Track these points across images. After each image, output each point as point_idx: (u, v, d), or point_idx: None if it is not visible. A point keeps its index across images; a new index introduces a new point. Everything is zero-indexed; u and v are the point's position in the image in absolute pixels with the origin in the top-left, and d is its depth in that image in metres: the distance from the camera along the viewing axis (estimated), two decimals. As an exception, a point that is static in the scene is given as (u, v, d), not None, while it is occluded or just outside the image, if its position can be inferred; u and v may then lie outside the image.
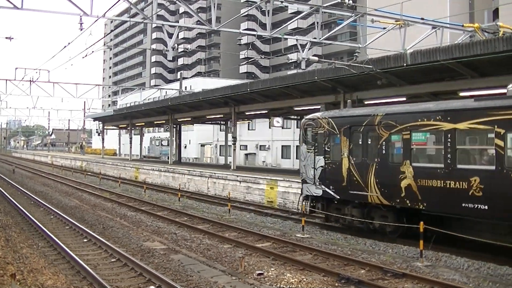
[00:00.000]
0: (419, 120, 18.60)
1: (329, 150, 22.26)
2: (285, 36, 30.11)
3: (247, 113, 48.38)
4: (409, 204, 18.77)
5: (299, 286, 14.12)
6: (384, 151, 19.90)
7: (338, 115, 22.41)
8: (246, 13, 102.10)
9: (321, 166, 22.50)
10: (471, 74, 24.92)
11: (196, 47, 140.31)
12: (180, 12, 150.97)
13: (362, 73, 26.99)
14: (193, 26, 48.56)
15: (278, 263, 16.77)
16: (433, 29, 28.35)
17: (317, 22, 28.27)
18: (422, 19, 28.43)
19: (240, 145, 73.71)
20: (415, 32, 28.08)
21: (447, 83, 26.59)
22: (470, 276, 15.19)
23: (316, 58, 26.74)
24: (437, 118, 17.98)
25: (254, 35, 29.75)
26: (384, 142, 19.85)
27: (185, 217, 26.83)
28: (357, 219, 21.31)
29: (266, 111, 45.67)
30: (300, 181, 24.38)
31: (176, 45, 43.09)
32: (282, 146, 71.06)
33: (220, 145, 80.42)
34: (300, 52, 26.18)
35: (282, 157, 71.18)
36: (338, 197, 21.84)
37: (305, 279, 14.70)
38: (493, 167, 16.36)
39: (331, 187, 22.07)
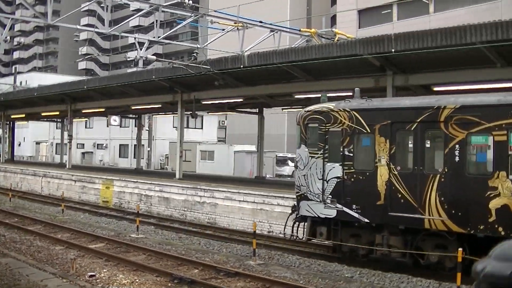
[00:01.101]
0: None
1: (351, 155, 16.62)
2: (123, 34, 29.52)
3: (84, 111, 47.38)
4: (502, 233, 13.67)
5: (132, 287, 13.91)
6: (457, 158, 14.69)
7: (369, 107, 16.63)
8: (87, 8, 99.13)
9: (337, 178, 16.79)
10: (306, 77, 25.83)
11: (33, 41, 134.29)
12: (16, 3, 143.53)
13: (199, 73, 27.01)
14: (28, 19, 46.36)
15: (111, 264, 16.32)
16: (271, 32, 29.05)
17: (157, 21, 28.05)
18: (261, 22, 29.04)
19: (77, 144, 71.97)
20: (255, 34, 28.64)
21: (283, 85, 27.41)
22: (301, 273, 15.56)
23: (154, 57, 26.39)
24: None
25: (92, 31, 28.72)
26: (457, 146, 14.67)
27: (16, 218, 25.56)
28: (395, 250, 15.93)
29: (104, 109, 44.59)
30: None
31: (9, 37, 40.83)
32: (120, 145, 69.68)
33: (56, 143, 77.40)
34: (138, 50, 25.79)
35: (119, 156, 69.80)
36: (367, 220, 16.21)
37: (137, 280, 14.48)
38: None
39: (354, 206, 16.39)
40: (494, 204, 13.88)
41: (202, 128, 66.94)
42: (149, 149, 60.28)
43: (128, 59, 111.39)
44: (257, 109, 38.35)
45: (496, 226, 13.80)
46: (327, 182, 16.96)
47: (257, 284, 14.32)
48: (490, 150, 14.32)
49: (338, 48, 22.30)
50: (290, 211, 18.74)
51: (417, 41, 19.88)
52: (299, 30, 31.53)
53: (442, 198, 14.73)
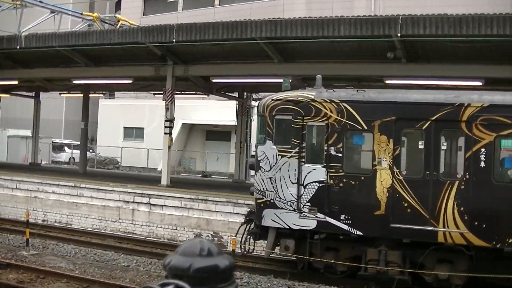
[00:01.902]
0: None
1: (339, 155, 13.99)
2: None
3: None
4: None
5: None
6: (482, 164, 12.85)
7: (366, 99, 14.07)
8: None
9: (318, 182, 14.05)
10: (86, 62, 25.27)
11: None
12: None
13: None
14: None
15: None
16: (52, 13, 28.00)
17: None
18: (41, 1, 27.87)
19: None
20: (34, 15, 27.34)
21: (62, 69, 26.55)
22: (77, 262, 15.48)
23: None
24: None
25: None
26: (483, 149, 12.84)
27: None
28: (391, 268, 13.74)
29: None
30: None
31: None
32: None
33: None
34: None
35: None
36: (360, 233, 13.77)
37: None
38: None
39: (343, 216, 13.80)
40: None
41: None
42: None
43: None
44: (34, 92, 36.63)
45: None
46: (304, 187, 14.15)
47: (31, 275, 13.85)
48: None
49: (119, 35, 22.07)
50: (242, 220, 16.07)
51: (199, 33, 20.41)
52: (81, 14, 30.76)
53: (462, 208, 12.88)
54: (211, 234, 19.62)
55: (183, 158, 45.56)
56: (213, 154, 43.78)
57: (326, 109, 14.03)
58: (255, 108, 22.03)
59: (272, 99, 14.62)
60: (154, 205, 20.90)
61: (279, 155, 14.36)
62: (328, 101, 14.05)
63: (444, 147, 13.57)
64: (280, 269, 15.92)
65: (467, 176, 12.93)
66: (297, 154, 14.25)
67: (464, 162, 13.10)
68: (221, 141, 44.80)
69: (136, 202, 21.24)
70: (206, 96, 33.23)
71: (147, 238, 20.35)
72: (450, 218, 12.93)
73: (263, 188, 14.52)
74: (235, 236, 15.72)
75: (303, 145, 14.28)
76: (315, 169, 14.10)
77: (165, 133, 24.07)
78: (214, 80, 25.41)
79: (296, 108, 14.28)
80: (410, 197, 13.27)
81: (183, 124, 43.85)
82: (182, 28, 20.83)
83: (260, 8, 42.26)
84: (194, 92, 30.92)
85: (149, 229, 20.77)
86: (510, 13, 18.94)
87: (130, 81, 27.43)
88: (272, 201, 14.39)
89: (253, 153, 16.33)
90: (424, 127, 13.39)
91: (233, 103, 31.45)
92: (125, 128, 49.18)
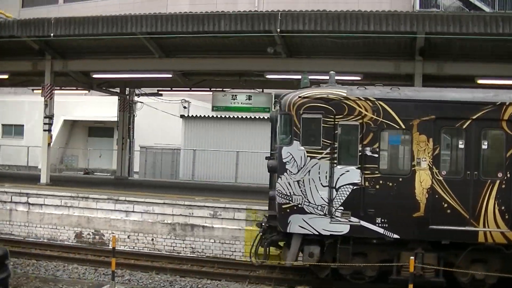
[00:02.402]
0: None
1: (375, 156, 13.58)
2: None
3: None
4: None
5: None
6: None
7: (403, 97, 13.74)
8: None
9: (352, 184, 13.55)
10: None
11: None
12: None
13: None
14: None
15: None
16: None
17: None
18: None
19: None
20: None
21: None
22: None
23: None
24: None
25: None
26: None
27: None
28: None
29: None
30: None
31: None
32: None
33: None
34: None
35: None
36: (397, 236, 13.45)
37: None
38: None
39: (379, 220, 13.44)
40: None
41: None
42: None
43: None
44: None
45: None
46: (336, 191, 13.56)
47: None
48: None
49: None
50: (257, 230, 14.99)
51: (78, 27, 20.15)
52: None
53: (503, 207, 12.98)
54: (92, 232, 19.30)
55: (65, 156, 44.32)
56: (95, 151, 42.88)
57: (361, 107, 13.52)
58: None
59: (299, 97, 13.75)
60: (33, 204, 20.23)
61: (308, 156, 13.63)
62: (363, 99, 13.54)
63: (484, 146, 13.39)
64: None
65: (508, 175, 13.03)
66: (329, 156, 13.58)
67: (505, 162, 13.11)
68: (104, 138, 43.93)
69: (14, 202, 20.46)
70: (88, 92, 32.50)
71: (26, 238, 19.68)
72: (491, 218, 12.96)
73: (290, 192, 13.69)
74: (252, 246, 14.82)
75: (335, 145, 13.62)
76: (348, 171, 13.54)
77: (44, 130, 23.38)
78: (94, 76, 24.96)
79: (327, 106, 13.61)
80: (450, 198, 13.19)
81: (64, 120, 42.66)
82: (60, 22, 20.28)
83: (143, 3, 41.91)
84: (75, 88, 30.14)
85: (27, 229, 20.08)
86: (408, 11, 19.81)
87: (6, 76, 26.36)
88: (299, 206, 13.64)
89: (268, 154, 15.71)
90: (464, 126, 13.35)
91: (116, 99, 30.99)
92: (3, 125, 47.23)
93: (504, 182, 13.04)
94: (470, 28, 16.96)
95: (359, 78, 20.53)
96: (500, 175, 13.14)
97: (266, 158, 15.30)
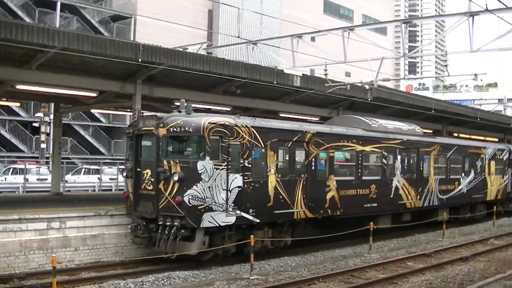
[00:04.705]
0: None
1: (250, 166, 18.50)
2: None
3: None
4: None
5: None
6: None
7: (263, 126, 19.36)
8: None
9: (238, 187, 18.11)
10: None
11: None
12: None
13: None
14: None
15: None
16: None
17: None
18: None
19: None
20: None
21: None
22: None
23: None
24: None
25: None
26: None
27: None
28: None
29: None
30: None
31: None
32: None
33: None
34: None
35: None
36: (259, 220, 18.79)
37: None
38: None
39: (251, 210, 18.44)
40: None
41: None
42: None
43: None
44: None
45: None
46: (230, 192, 17.76)
47: None
48: None
49: None
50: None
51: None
52: None
53: (304, 195, 20.40)
54: None
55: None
56: None
57: (243, 132, 18.24)
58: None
59: (209, 123, 17.51)
60: None
61: (214, 167, 17.41)
62: (244, 126, 18.36)
63: (297, 158, 20.09)
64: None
65: (307, 176, 20.34)
66: (226, 167, 17.65)
67: (305, 167, 20.42)
68: None
69: None
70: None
71: None
72: (299, 202, 20.08)
73: (203, 196, 17.27)
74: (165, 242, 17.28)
75: (229, 159, 17.75)
76: (236, 177, 18.02)
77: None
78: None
79: (224, 130, 17.74)
80: (283, 191, 19.46)
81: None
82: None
83: None
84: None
85: None
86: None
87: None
88: (209, 206, 17.35)
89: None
90: (289, 145, 19.78)
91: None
92: None
93: (305, 179, 20.25)
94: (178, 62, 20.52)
95: (95, 95, 22.92)
96: (303, 175, 20.29)
97: (122, 170, 20.09)
